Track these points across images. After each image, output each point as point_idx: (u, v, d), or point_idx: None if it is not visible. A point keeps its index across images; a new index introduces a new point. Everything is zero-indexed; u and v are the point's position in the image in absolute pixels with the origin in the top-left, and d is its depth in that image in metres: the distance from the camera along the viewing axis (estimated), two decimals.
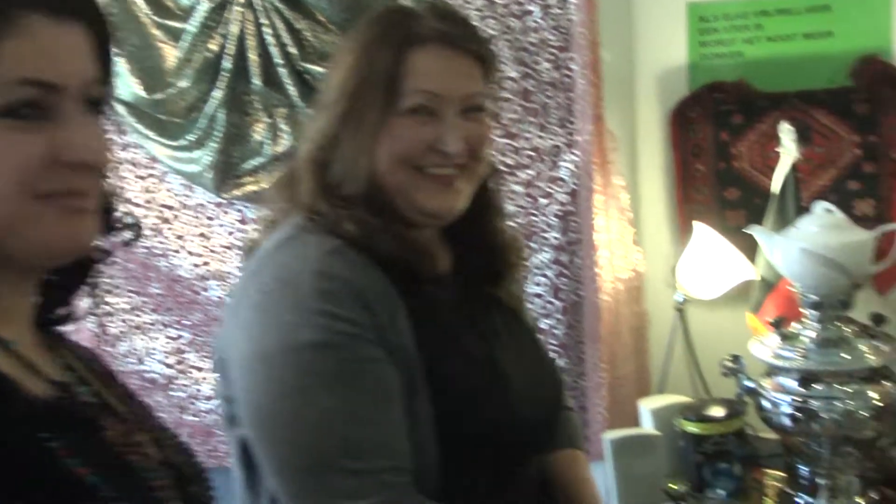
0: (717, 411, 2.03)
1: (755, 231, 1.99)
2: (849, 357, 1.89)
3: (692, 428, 2.02)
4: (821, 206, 1.96)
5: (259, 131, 2.57)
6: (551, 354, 1.64)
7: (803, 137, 2.30)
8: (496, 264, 1.49)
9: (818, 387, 1.89)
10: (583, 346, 2.38)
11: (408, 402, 1.27)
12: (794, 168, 2.27)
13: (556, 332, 2.42)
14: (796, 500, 2.00)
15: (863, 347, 1.91)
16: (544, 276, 2.40)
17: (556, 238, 2.38)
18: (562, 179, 2.36)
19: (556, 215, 2.37)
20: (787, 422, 1.93)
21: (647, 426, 2.12)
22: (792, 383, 1.93)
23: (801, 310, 1.98)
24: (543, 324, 2.42)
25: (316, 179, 1.35)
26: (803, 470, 1.99)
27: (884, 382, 1.91)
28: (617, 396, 2.37)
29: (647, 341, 2.54)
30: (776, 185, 2.30)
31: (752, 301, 2.33)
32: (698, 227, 2.41)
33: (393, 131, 1.33)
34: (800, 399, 1.91)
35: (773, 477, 2.20)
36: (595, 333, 2.29)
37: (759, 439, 2.31)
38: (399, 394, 1.26)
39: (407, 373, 1.28)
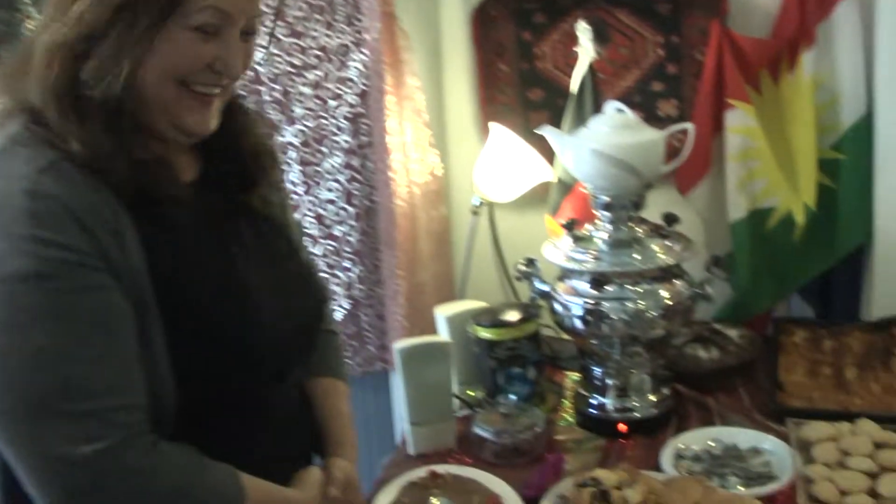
0: (512, 316, 2.00)
1: (546, 132, 1.95)
2: (640, 257, 1.88)
3: (485, 333, 1.98)
4: (612, 106, 1.92)
5: (31, 28, 2.35)
6: (313, 268, 1.53)
7: (602, 37, 2.26)
8: (247, 170, 1.38)
9: (609, 288, 1.89)
10: (378, 252, 2.32)
11: (141, 331, 1.16)
12: (592, 68, 2.23)
13: (350, 238, 2.34)
14: (591, 400, 2.01)
15: (654, 247, 1.91)
16: (336, 181, 2.30)
17: (346, 141, 2.28)
18: (351, 80, 2.25)
19: (346, 117, 2.27)
20: (578, 324, 1.92)
21: (444, 334, 2.08)
22: (584, 286, 1.91)
23: (593, 211, 1.96)
24: (337, 230, 2.34)
25: (64, 69, 1.16)
26: (596, 371, 2.00)
27: (674, 281, 1.92)
28: (417, 304, 2.32)
29: (450, 246, 2.49)
30: (574, 85, 2.26)
31: (551, 203, 2.31)
32: (495, 127, 2.35)
33: (172, 43, 1.18)
34: (591, 301, 1.89)
35: (573, 379, 2.20)
36: (391, 239, 2.22)
37: (561, 341, 2.31)
38: (129, 323, 1.15)
39: (138, 298, 1.16)
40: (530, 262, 2.02)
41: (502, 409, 1.93)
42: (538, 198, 2.40)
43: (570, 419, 2.06)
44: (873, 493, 1.64)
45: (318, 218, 2.34)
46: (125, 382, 1.13)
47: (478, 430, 1.92)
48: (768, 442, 1.85)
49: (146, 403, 1.15)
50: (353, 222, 2.33)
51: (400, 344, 1.90)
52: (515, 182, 2.32)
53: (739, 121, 2.21)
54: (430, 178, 2.30)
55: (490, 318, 2.00)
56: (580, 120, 2.15)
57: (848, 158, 2.22)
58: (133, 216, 1.18)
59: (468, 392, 2.12)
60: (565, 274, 1.97)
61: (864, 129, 2.20)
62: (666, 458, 1.82)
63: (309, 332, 1.47)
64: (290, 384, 1.46)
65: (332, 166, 2.28)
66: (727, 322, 2.30)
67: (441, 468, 1.83)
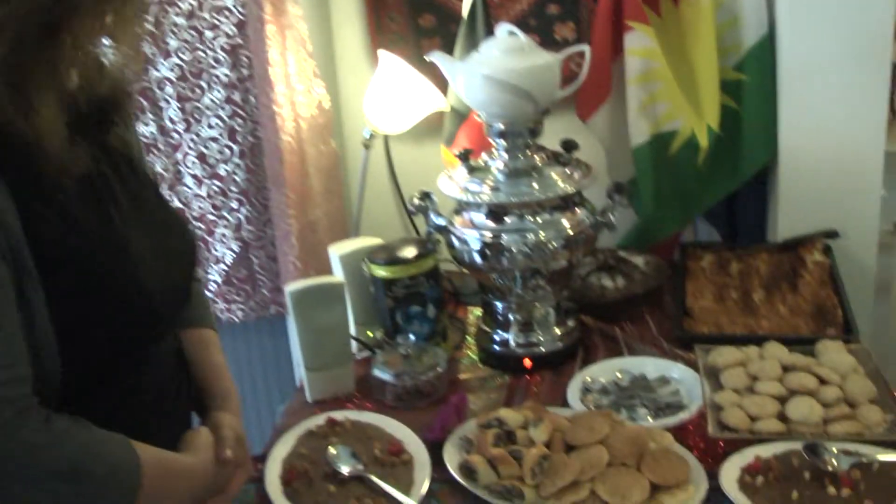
0: (409, 252, 1.90)
1: (437, 58, 1.84)
2: (538, 187, 1.80)
3: (381, 272, 1.88)
4: (503, 30, 1.82)
5: None
6: (181, 215, 1.41)
7: None
8: (103, 107, 1.25)
9: (508, 220, 1.80)
10: (267, 191, 2.19)
11: (20, 296, 1.05)
12: None
13: (236, 178, 2.21)
14: (493, 336, 1.93)
15: (553, 176, 1.82)
16: (217, 117, 2.16)
17: (226, 75, 2.14)
18: (227, 9, 2.10)
19: (224, 49, 2.13)
20: (477, 259, 1.83)
21: (339, 273, 1.97)
22: (481, 218, 1.82)
23: (489, 140, 1.86)
24: (222, 170, 2.21)
25: None
26: (498, 306, 1.92)
27: (576, 210, 1.85)
28: (309, 244, 2.20)
29: (342, 182, 2.38)
30: (465, 9, 2.15)
31: (445, 133, 2.21)
32: (385, 56, 2.23)
33: None
34: (489, 234, 1.81)
35: (475, 315, 2.13)
36: (279, 177, 2.09)
37: (462, 276, 2.23)
38: (9, 290, 1.03)
39: (15, 262, 1.04)
40: (425, 196, 1.92)
41: (402, 350, 1.84)
42: (433, 128, 2.30)
43: (474, 356, 1.99)
44: (783, 417, 1.60)
45: (201, 157, 2.20)
46: (10, 355, 1.02)
47: (377, 373, 1.83)
48: (676, 370, 1.80)
49: (31, 374, 1.04)
50: (238, 160, 2.20)
51: (292, 286, 1.79)
52: (408, 112, 2.21)
53: (639, 43, 2.13)
54: (317, 112, 2.17)
55: (386, 255, 1.90)
56: (472, 45, 2.04)
57: (751, 79, 2.16)
58: (4, 178, 1.05)
59: (367, 333, 2.02)
60: (462, 206, 1.87)
61: (766, 49, 2.13)
62: (572, 392, 1.75)
63: (187, 284, 1.36)
64: (168, 340, 1.35)
65: (213, 101, 2.14)
66: (632, 249, 2.24)
67: (340, 414, 1.74)
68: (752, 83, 2.16)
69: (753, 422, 1.60)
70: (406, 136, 2.33)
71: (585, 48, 1.86)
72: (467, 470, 1.52)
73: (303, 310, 1.79)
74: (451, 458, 1.57)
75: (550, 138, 1.88)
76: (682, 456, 1.50)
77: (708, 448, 1.58)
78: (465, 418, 1.70)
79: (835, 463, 1.47)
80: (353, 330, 2.02)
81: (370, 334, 2.02)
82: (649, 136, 2.19)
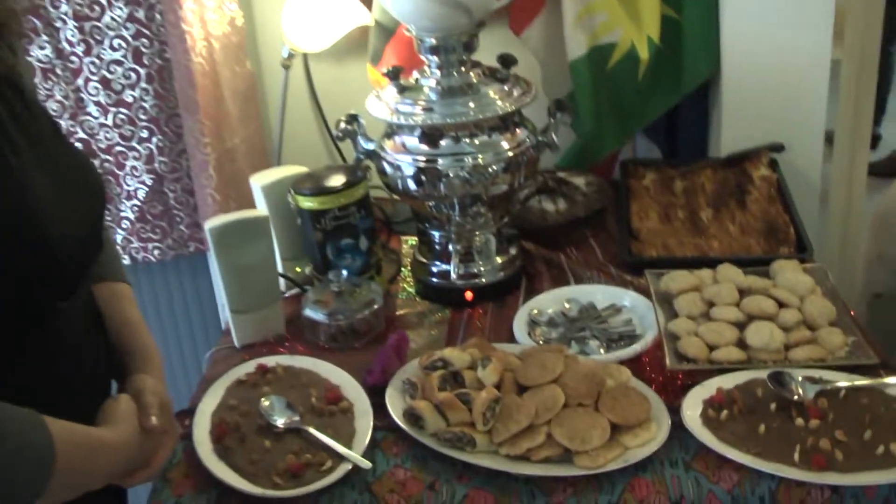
0: (337, 181, 1.75)
1: None
2: (475, 106, 1.66)
3: (307, 203, 1.73)
4: None
5: None
6: (80, 148, 1.25)
7: None
8: None
9: (443, 143, 1.67)
10: (178, 118, 2.01)
11: None
12: None
13: (144, 104, 2.03)
14: (431, 268, 1.81)
15: (491, 94, 1.69)
16: (120, 37, 1.96)
17: None
18: None
19: None
20: (412, 185, 1.70)
21: (262, 206, 1.82)
22: (414, 142, 1.69)
23: (420, 56, 1.72)
24: (128, 96, 2.02)
25: None
26: (435, 235, 1.80)
27: (516, 130, 1.72)
28: (228, 174, 2.04)
29: (260, 106, 2.20)
30: None
31: (371, 51, 2.05)
32: None
33: None
34: (423, 159, 1.67)
35: (410, 244, 2.00)
36: (191, 103, 1.92)
37: (394, 203, 2.10)
38: None
39: None
40: (352, 119, 1.77)
41: (334, 287, 1.70)
42: (357, 45, 2.13)
43: (411, 290, 1.87)
44: (742, 344, 1.52)
45: (105, 82, 2.00)
46: None
47: (308, 313, 1.70)
48: (627, 297, 1.71)
49: None
50: (145, 85, 2.01)
51: (212, 222, 1.64)
52: (329, 28, 2.04)
53: None
54: (230, 30, 1.99)
55: (312, 184, 1.75)
56: None
57: None
58: None
59: (295, 269, 1.89)
60: (393, 130, 1.73)
61: None
62: (518, 326, 1.65)
63: (96, 231, 1.21)
64: (79, 297, 1.21)
65: (114, 20, 1.94)
66: (572, 170, 2.12)
67: (271, 360, 1.62)
68: None
69: (712, 351, 1.51)
70: (327, 54, 2.16)
71: None
72: (413, 417, 1.41)
73: (225, 247, 1.64)
74: (395, 405, 1.46)
75: (484, 54, 1.74)
76: (641, 393, 1.41)
77: (666, 381, 1.49)
78: (407, 359, 1.58)
79: (801, 392, 1.40)
80: (280, 266, 1.88)
81: (298, 270, 1.88)
82: (587, 49, 2.06)
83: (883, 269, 2.33)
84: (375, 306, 1.71)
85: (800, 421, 1.35)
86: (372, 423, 1.43)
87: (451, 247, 1.72)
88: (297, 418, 1.44)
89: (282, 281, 1.80)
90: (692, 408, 1.40)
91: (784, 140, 2.08)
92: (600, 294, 1.72)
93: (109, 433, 1.09)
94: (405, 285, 1.88)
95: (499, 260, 1.80)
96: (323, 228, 1.75)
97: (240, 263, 1.66)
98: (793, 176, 2.06)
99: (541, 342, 1.61)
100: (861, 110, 2.51)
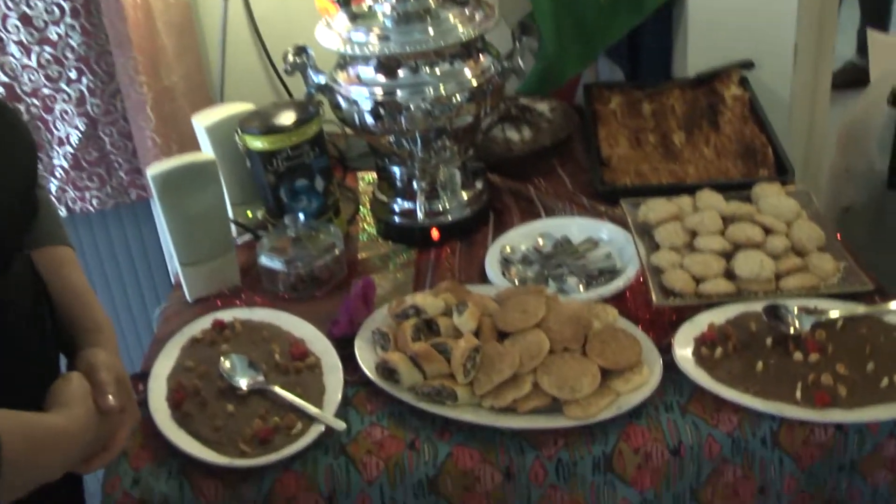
0: (287, 118, 1.62)
1: None
2: (434, 32, 1.54)
3: (256, 143, 1.60)
4: None
5: None
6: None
7: None
8: None
9: (402, 73, 1.55)
10: (110, 55, 1.86)
11: None
12: None
13: (71, 42, 1.86)
14: (393, 206, 1.70)
15: (451, 18, 1.56)
16: None
17: None
18: None
19: None
20: (369, 120, 1.57)
21: (207, 149, 1.69)
22: (370, 73, 1.56)
23: None
24: (52, 33, 1.86)
25: None
26: (396, 171, 1.68)
27: (479, 57, 1.60)
28: (168, 114, 1.90)
29: (198, 39, 2.03)
30: None
31: None
32: None
33: None
34: (381, 91, 1.55)
35: (368, 181, 1.88)
36: (122, 38, 1.77)
37: (347, 137, 1.97)
38: None
39: None
40: (301, 51, 1.63)
41: (290, 232, 1.59)
42: None
43: (371, 230, 1.75)
44: (730, 275, 1.44)
45: (25, 19, 1.83)
46: None
47: (265, 262, 1.58)
48: (604, 230, 1.61)
49: None
50: (70, 20, 1.84)
51: (154, 168, 1.50)
52: None
53: None
54: None
55: (261, 123, 1.62)
56: None
57: None
58: None
59: (247, 214, 1.76)
60: (346, 61, 1.60)
61: None
62: (491, 265, 1.55)
63: (29, 190, 1.08)
64: (17, 265, 1.08)
65: None
66: (535, 96, 2.01)
67: (227, 314, 1.50)
68: None
69: (699, 283, 1.43)
70: None
71: None
72: (386, 371, 1.31)
73: (170, 195, 1.51)
74: (366, 357, 1.36)
75: None
76: (630, 334, 1.32)
77: (653, 319, 1.41)
78: (374, 307, 1.48)
79: (797, 325, 1.32)
80: (230, 212, 1.76)
81: (250, 215, 1.76)
82: None
83: (851, 183, 2.27)
84: (336, 251, 1.59)
85: (798, 355, 1.28)
86: (342, 379, 1.33)
87: (415, 184, 1.61)
88: (261, 378, 1.34)
89: (234, 228, 1.67)
90: (683, 346, 1.32)
91: (752, 57, 1.99)
92: (575, 227, 1.63)
93: (61, 419, 0.97)
94: (365, 225, 1.77)
95: (465, 195, 1.69)
96: (275, 170, 1.63)
97: (187, 212, 1.53)
98: (762, 94, 1.97)
99: (517, 282, 1.51)
100: (825, 21, 2.42)
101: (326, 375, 1.35)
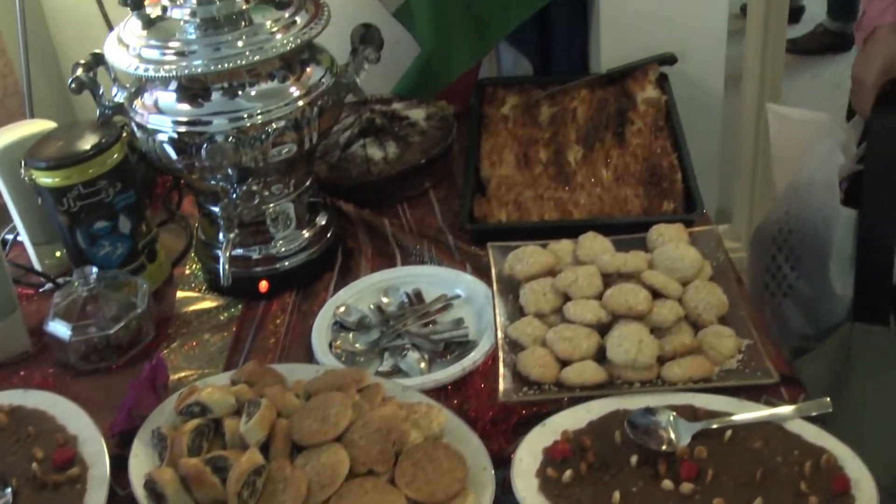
0: (86, 142, 1.31)
1: None
2: (247, 43, 1.22)
3: (44, 179, 1.30)
4: None
5: None
6: None
7: None
8: None
9: (212, 97, 1.24)
10: None
11: None
12: None
13: None
14: (215, 251, 1.38)
15: (268, 25, 1.24)
16: None
17: None
18: None
19: None
20: (171, 154, 1.27)
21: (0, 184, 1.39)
22: (171, 99, 1.25)
23: None
24: None
25: None
26: (215, 210, 1.37)
27: (308, 70, 1.30)
28: None
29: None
30: None
31: None
32: None
33: None
34: (184, 120, 1.24)
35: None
36: None
37: None
38: None
39: None
40: (95, 62, 1.32)
41: (82, 290, 1.30)
42: None
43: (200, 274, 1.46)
44: (603, 354, 1.15)
45: None
46: None
47: (50, 328, 1.29)
48: (462, 284, 1.32)
49: None
50: None
51: None
52: None
53: None
54: None
55: (51, 151, 1.32)
56: None
57: None
58: None
59: (55, 255, 1.47)
60: (141, 82, 1.29)
61: None
62: (319, 332, 1.26)
63: None
64: None
65: None
66: (412, 100, 1.69)
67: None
68: None
69: (563, 367, 1.14)
70: None
71: None
72: (153, 493, 1.03)
73: None
74: (138, 468, 1.07)
75: None
76: (455, 451, 1.03)
77: (499, 416, 1.11)
78: (168, 391, 1.19)
79: (672, 436, 1.03)
80: (31, 255, 1.47)
81: (59, 255, 1.47)
82: None
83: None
84: (139, 309, 1.30)
85: (667, 483, 0.99)
86: (105, 500, 1.05)
87: (220, 236, 1.31)
88: (7, 497, 1.05)
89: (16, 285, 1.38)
90: (526, 463, 1.03)
91: (677, 48, 1.67)
92: (428, 279, 1.33)
93: None
94: (196, 266, 1.48)
95: (305, 234, 1.39)
96: (67, 210, 1.33)
97: None
98: (688, 91, 1.66)
99: (342, 358, 1.22)
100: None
101: (89, 493, 1.07)
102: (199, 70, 1.21)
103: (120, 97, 1.32)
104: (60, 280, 1.41)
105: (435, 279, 1.33)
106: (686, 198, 1.40)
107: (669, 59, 1.66)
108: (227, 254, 1.24)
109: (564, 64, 1.79)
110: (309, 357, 1.24)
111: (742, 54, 2.29)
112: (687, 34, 1.68)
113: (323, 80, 1.29)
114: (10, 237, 1.55)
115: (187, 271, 1.48)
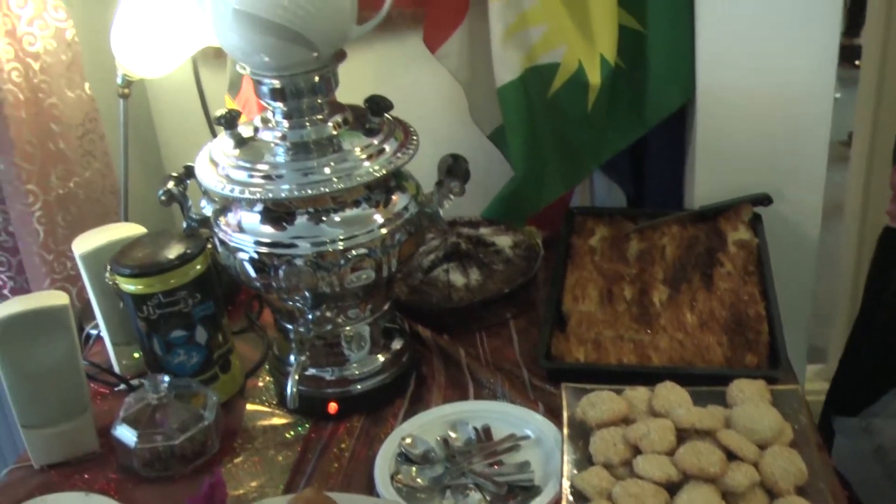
0: (171, 251, 1.33)
1: None
2: (335, 170, 1.23)
3: (127, 285, 1.32)
4: None
5: None
6: None
7: None
8: None
9: (294, 220, 1.24)
10: None
11: None
12: None
13: None
14: (288, 368, 1.38)
15: (357, 152, 1.25)
16: None
17: None
18: None
19: None
20: (251, 272, 1.28)
21: (86, 278, 1.42)
22: (255, 220, 1.26)
23: (261, 101, 1.29)
24: None
25: None
26: (290, 328, 1.37)
27: (392, 198, 1.30)
28: (61, 229, 1.63)
29: (106, 142, 1.71)
30: None
31: (230, 77, 1.63)
32: None
33: None
34: (264, 242, 1.25)
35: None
36: (6, 145, 1.51)
37: None
38: None
39: None
40: (188, 174, 1.35)
41: (151, 398, 1.30)
42: (214, 66, 1.70)
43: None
44: None
45: None
46: None
47: (117, 433, 1.30)
48: (532, 424, 1.29)
49: None
50: None
51: None
52: (172, 48, 1.60)
53: None
54: (57, 45, 1.55)
55: (136, 258, 1.34)
56: None
57: None
58: None
59: (133, 356, 1.49)
60: (228, 202, 1.31)
61: None
62: (382, 465, 1.24)
63: None
64: None
65: None
66: (499, 225, 1.68)
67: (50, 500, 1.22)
68: None
69: None
70: (175, 80, 1.70)
71: None
72: None
73: (7, 347, 1.25)
74: None
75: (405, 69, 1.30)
76: None
77: None
78: None
79: None
80: (111, 352, 1.49)
81: (137, 356, 1.49)
82: (521, 71, 1.61)
83: None
84: (206, 422, 1.30)
85: None
86: None
87: (291, 357, 1.30)
88: None
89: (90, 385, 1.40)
90: None
91: (773, 187, 1.64)
92: (499, 416, 1.30)
93: None
94: (269, 380, 1.48)
95: (380, 359, 1.38)
96: (146, 317, 1.34)
97: (31, 367, 1.27)
98: (783, 231, 1.62)
99: (403, 493, 1.20)
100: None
101: None
102: (284, 195, 1.21)
103: (208, 211, 1.34)
104: (135, 382, 1.42)
105: (506, 416, 1.30)
106: (771, 351, 1.35)
107: (764, 200, 1.62)
108: (296, 376, 1.23)
109: (658, 195, 1.77)
110: (370, 486, 1.22)
111: (843, 183, 2.25)
112: (784, 173, 1.64)
113: (407, 208, 1.29)
114: (93, 332, 1.58)
115: (260, 383, 1.48)
